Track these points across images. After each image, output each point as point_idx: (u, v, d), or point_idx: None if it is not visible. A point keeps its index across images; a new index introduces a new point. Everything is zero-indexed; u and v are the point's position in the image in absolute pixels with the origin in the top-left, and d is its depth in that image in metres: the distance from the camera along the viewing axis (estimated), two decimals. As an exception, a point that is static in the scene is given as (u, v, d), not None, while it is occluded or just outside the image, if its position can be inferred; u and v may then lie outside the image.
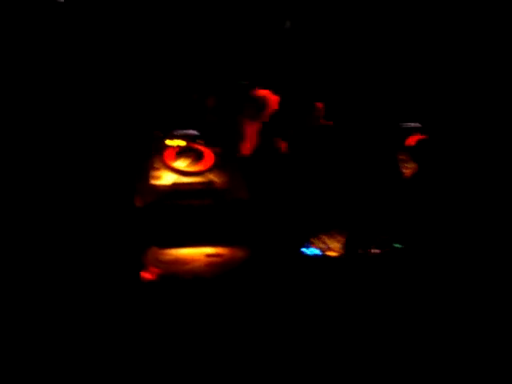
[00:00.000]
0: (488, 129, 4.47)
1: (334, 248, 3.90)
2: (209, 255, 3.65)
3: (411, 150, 4.35)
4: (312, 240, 3.96)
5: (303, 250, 3.92)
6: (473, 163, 4.22)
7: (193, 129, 4.18)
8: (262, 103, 4.51)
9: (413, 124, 4.58)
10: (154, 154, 4.00)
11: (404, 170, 4.28)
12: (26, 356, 3.23)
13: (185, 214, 3.79)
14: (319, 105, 5.04)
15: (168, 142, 4.06)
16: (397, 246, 3.97)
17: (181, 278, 3.49)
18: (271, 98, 4.56)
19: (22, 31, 5.46)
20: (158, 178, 3.85)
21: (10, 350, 3.27)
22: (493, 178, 4.12)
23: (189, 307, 3.38)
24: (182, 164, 3.92)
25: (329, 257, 3.87)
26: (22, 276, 3.88)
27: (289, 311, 3.48)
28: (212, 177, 3.90)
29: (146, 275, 3.55)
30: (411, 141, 4.42)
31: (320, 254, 3.88)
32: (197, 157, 3.97)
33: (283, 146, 4.54)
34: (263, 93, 4.56)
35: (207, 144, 4.05)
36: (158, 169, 3.89)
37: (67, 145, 4.78)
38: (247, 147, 5.13)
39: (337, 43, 6.05)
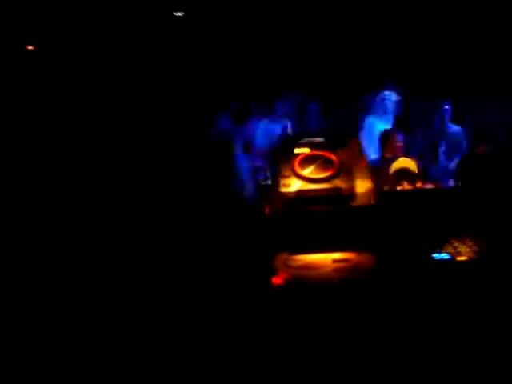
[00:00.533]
0: None
1: (463, 253, 3.84)
2: (336, 260, 3.69)
3: None
4: (442, 245, 3.92)
5: (433, 255, 3.88)
6: None
7: (319, 136, 4.24)
8: None
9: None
10: (282, 162, 4.08)
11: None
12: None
13: (312, 220, 3.85)
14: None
15: (295, 149, 4.14)
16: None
17: (308, 282, 3.56)
18: None
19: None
20: (285, 185, 3.93)
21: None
22: None
23: (316, 311, 3.45)
24: (308, 171, 3.98)
25: (459, 261, 3.81)
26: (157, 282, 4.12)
27: (418, 316, 3.47)
28: (338, 183, 3.93)
29: (276, 280, 3.65)
30: None
31: (450, 258, 3.83)
32: (323, 163, 4.01)
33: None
34: None
35: (333, 150, 4.09)
36: (285, 176, 3.98)
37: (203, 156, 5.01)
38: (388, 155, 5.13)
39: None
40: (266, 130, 6.81)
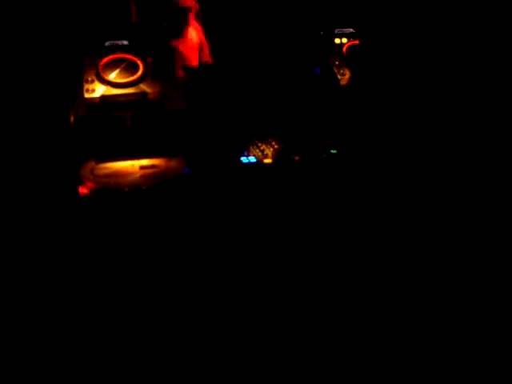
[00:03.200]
0: (422, 31, 4.44)
1: (270, 155, 3.93)
2: (143, 167, 3.64)
3: (344, 55, 4.33)
4: (249, 148, 3.98)
5: (240, 158, 3.94)
6: (408, 68, 4.22)
7: (123, 39, 4.06)
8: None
9: (346, 29, 4.53)
10: (86, 67, 3.89)
11: (338, 76, 4.26)
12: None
13: (117, 126, 3.74)
14: None
15: (98, 53, 3.95)
16: (332, 151, 4.01)
17: (116, 190, 3.48)
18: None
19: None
20: (88, 91, 3.76)
21: None
22: (426, 80, 4.15)
23: (126, 220, 3.39)
24: (112, 75, 3.82)
25: (265, 164, 3.90)
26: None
27: (225, 221, 3.52)
28: (144, 87, 3.82)
29: (82, 190, 3.53)
30: (345, 46, 4.40)
31: (256, 161, 3.91)
32: (128, 67, 3.88)
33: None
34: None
35: (138, 54, 3.95)
36: (89, 81, 3.80)
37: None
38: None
39: None
40: None
